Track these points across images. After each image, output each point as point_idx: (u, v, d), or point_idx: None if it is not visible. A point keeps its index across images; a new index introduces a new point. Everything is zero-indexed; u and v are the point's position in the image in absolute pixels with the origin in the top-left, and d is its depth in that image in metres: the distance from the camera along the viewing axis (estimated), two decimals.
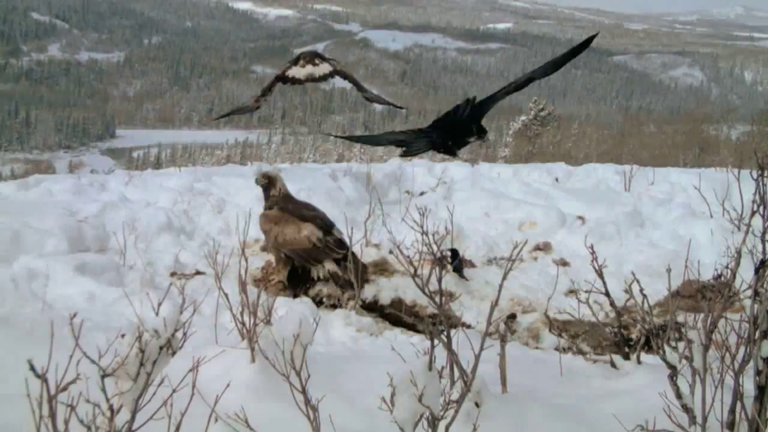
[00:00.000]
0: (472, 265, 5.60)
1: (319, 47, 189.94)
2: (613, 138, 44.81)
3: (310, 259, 4.94)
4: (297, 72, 5.29)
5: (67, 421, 1.66)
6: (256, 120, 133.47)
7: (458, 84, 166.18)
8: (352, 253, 4.79)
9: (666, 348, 2.70)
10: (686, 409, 2.43)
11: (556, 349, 4.16)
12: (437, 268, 2.62)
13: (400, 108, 6.21)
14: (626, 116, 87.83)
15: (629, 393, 3.00)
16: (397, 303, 4.97)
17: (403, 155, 5.05)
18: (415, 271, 2.54)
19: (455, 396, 2.22)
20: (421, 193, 8.07)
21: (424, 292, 2.56)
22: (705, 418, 2.29)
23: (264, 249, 5.73)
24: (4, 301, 4.09)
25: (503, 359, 2.94)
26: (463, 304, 4.98)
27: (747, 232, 3.19)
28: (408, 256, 2.59)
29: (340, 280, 4.92)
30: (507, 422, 2.62)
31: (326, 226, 5.01)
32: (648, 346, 3.45)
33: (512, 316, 4.82)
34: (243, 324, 3.09)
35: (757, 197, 3.08)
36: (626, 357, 3.50)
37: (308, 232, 4.90)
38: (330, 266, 4.93)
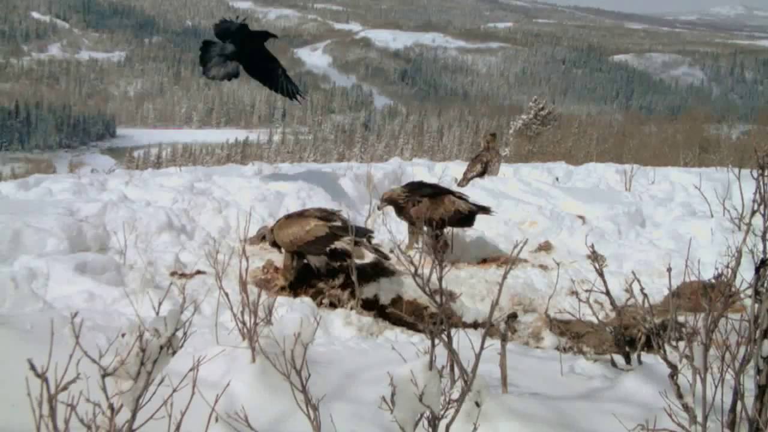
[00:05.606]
0: None
1: (319, 46, 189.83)
2: (614, 137, 44.78)
3: (317, 248, 4.91)
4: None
5: (67, 420, 1.66)
6: (257, 119, 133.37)
7: (459, 83, 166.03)
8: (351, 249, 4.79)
9: (667, 347, 2.70)
10: (687, 408, 2.43)
11: (557, 348, 4.16)
12: (437, 267, 2.62)
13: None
14: (626, 115, 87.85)
15: (630, 392, 3.00)
16: (398, 302, 4.96)
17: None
18: (416, 270, 2.54)
19: (456, 395, 2.21)
20: None
21: (424, 292, 2.56)
22: (705, 418, 2.28)
23: (263, 248, 5.72)
24: (4, 301, 4.09)
25: (504, 358, 2.93)
26: (464, 304, 4.98)
27: (747, 232, 3.19)
28: (408, 255, 2.59)
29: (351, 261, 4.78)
30: (507, 422, 2.62)
31: (327, 214, 5.02)
32: (648, 346, 3.45)
33: (513, 316, 4.82)
34: (243, 323, 3.09)
35: (758, 196, 3.08)
36: (627, 356, 3.50)
37: (313, 224, 4.90)
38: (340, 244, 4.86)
